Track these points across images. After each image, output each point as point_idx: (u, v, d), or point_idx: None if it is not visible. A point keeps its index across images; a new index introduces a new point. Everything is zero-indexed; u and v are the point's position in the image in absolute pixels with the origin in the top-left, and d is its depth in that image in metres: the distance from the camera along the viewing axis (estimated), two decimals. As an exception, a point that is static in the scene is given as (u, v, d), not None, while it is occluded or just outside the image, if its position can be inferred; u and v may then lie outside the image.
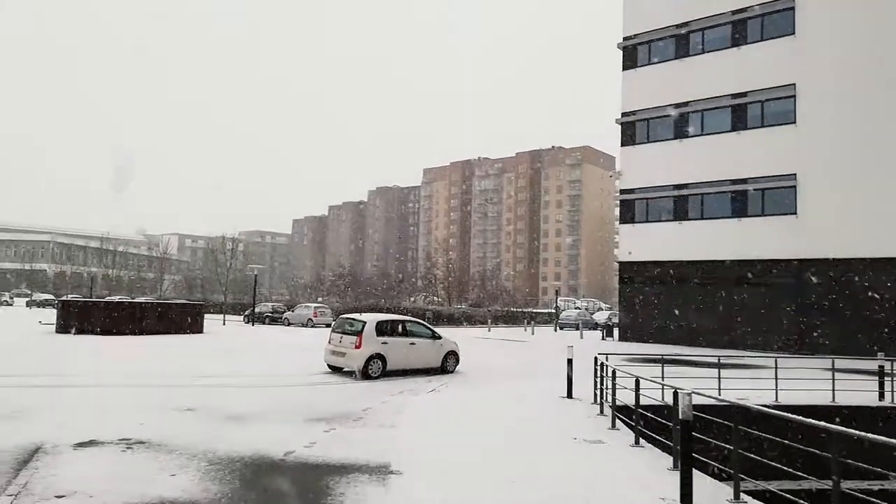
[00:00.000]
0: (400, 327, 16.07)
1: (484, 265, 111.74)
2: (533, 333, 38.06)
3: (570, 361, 13.14)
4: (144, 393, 11.98)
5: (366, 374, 14.92)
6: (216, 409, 10.48)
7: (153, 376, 14.14)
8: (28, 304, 60.11)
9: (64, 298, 27.51)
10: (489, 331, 40.47)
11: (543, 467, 7.44)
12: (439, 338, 16.70)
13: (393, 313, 25.47)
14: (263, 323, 42.64)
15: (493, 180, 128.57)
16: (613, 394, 10.28)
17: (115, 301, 29.46)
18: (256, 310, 43.77)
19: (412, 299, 69.73)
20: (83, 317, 25.28)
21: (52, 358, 17.37)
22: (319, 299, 59.46)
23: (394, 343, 15.49)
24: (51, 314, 30.79)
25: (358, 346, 14.96)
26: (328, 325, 40.43)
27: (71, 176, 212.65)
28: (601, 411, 11.23)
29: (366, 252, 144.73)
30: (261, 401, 11.58)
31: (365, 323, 15.21)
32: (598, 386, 11.86)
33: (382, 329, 15.47)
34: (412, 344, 15.93)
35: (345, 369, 15.72)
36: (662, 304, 30.51)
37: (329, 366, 16.13)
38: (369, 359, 14.96)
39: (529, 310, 64.57)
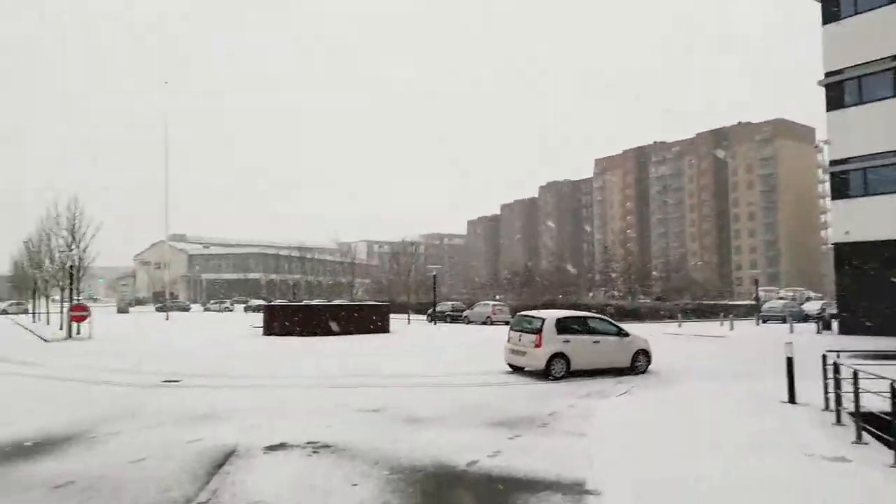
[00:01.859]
0: (582, 324, 15.00)
1: (666, 256, 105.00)
2: (731, 328, 34.39)
3: (790, 360, 11.16)
4: (334, 393, 12.27)
5: (548, 375, 14.09)
6: (399, 411, 10.33)
7: (343, 376, 14.58)
8: (245, 310, 67.78)
9: (268, 303, 30.35)
10: (679, 326, 37.38)
11: (775, 491, 6.04)
12: (627, 335, 15.33)
13: (571, 309, 24.25)
14: (445, 321, 43.60)
15: (672, 165, 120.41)
16: (857, 399, 8.36)
17: (312, 304, 31.75)
18: (437, 309, 44.92)
19: (591, 295, 67.47)
20: (284, 319, 27.50)
21: (254, 359, 18.83)
22: (497, 297, 59.73)
23: (576, 341, 14.46)
24: (260, 318, 34.09)
25: (538, 345, 14.18)
26: (506, 323, 40.24)
27: (275, 192, 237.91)
28: (837, 420, 9.26)
29: (540, 249, 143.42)
30: (442, 402, 11.26)
31: (544, 320, 14.38)
32: (831, 389, 9.84)
33: (563, 326, 14.51)
34: (596, 342, 14.77)
35: (525, 369, 15.04)
36: (892, 290, 25.71)
37: (509, 365, 15.55)
38: (551, 358, 14.10)
39: (723, 302, 59.05)
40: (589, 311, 18.94)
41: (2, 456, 7.19)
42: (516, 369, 15.33)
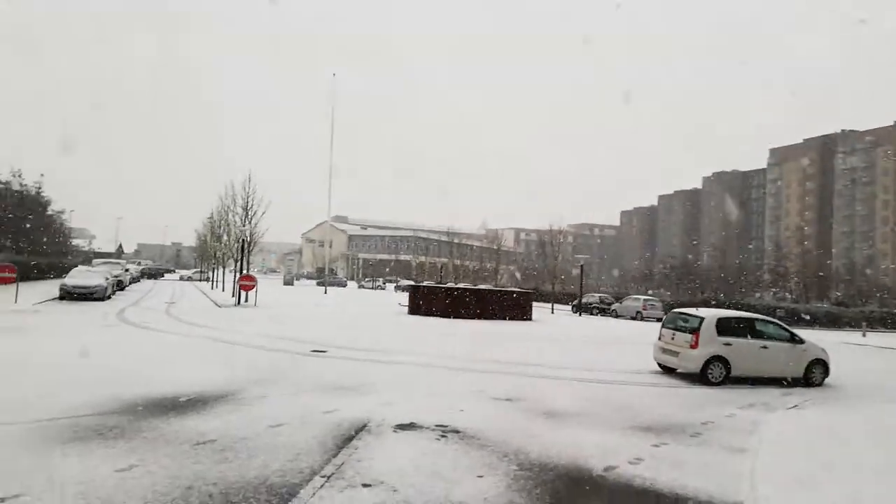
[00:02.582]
0: (747, 327, 13.42)
1: (850, 257, 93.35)
2: (931, 343, 29.59)
3: None
4: (470, 377, 12.04)
5: (704, 379, 12.79)
6: (534, 402, 9.83)
7: (481, 361, 14.34)
8: (395, 289, 70.69)
9: (413, 283, 31.15)
10: (864, 336, 32.92)
11: None
12: (801, 342, 13.49)
13: (734, 309, 22.02)
14: (590, 313, 42.16)
15: (863, 156, 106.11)
16: None
17: (456, 287, 32.05)
18: (583, 300, 43.53)
19: (757, 295, 61.78)
20: (429, 300, 28.00)
21: (397, 336, 19.26)
22: (649, 292, 56.70)
23: (739, 345, 12.97)
24: (407, 297, 35.10)
25: (694, 346, 12.90)
26: (658, 320, 37.94)
27: (430, 177, 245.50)
28: None
29: (700, 243, 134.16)
30: (581, 397, 10.57)
31: (703, 319, 13.04)
32: None
33: (725, 327, 13.07)
34: (764, 347, 13.15)
35: (677, 371, 13.81)
36: None
37: (659, 365, 14.38)
38: (708, 361, 12.78)
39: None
40: (754, 313, 16.91)
41: (159, 410, 7.72)
42: (667, 370, 14.15)
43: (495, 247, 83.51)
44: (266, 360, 12.51)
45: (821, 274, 65.85)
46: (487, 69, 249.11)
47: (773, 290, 65.93)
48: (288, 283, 68.92)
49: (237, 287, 29.02)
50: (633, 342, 22.19)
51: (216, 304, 28.41)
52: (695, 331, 13.01)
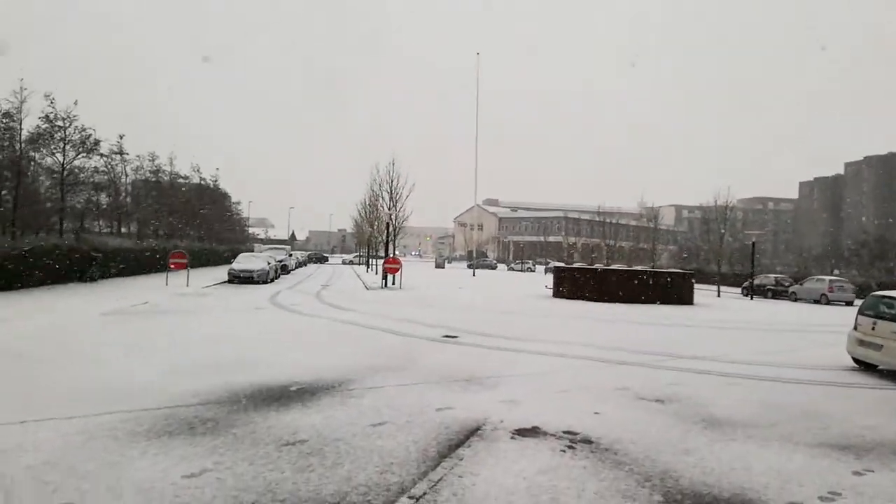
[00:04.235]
0: (985, 314, 10.48)
1: None
2: None
3: None
4: (612, 371, 10.57)
5: (918, 380, 10.17)
6: (691, 405, 8.17)
7: (628, 351, 12.72)
8: (545, 271, 69.10)
9: (557, 264, 29.53)
10: None
11: None
12: None
13: None
14: (764, 297, 37.68)
15: None
16: None
17: (604, 268, 29.95)
18: (755, 281, 39.04)
19: (979, 274, 51.86)
20: (574, 283, 26.34)
21: (537, 321, 18.04)
22: (835, 272, 49.74)
23: (973, 338, 10.13)
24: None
25: (905, 338, 10.28)
26: (848, 303, 32.92)
27: (575, 161, 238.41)
28: None
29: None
30: (751, 401, 8.69)
31: (916, 305, 10.36)
32: None
33: (948, 315, 10.29)
34: None
35: (880, 367, 11.19)
36: None
37: (854, 360, 11.80)
38: (924, 357, 10.12)
39: None
40: None
41: (264, 401, 7.28)
42: (866, 367, 11.54)
43: (652, 225, 78.46)
44: (394, 346, 11.99)
45: None
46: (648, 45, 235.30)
47: None
48: (439, 266, 70.09)
49: (382, 270, 29.45)
50: (817, 330, 19.01)
51: (365, 287, 29.05)
52: (907, 319, 10.37)
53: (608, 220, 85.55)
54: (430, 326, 14.93)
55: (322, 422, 6.48)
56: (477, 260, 69.46)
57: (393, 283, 29.14)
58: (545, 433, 6.53)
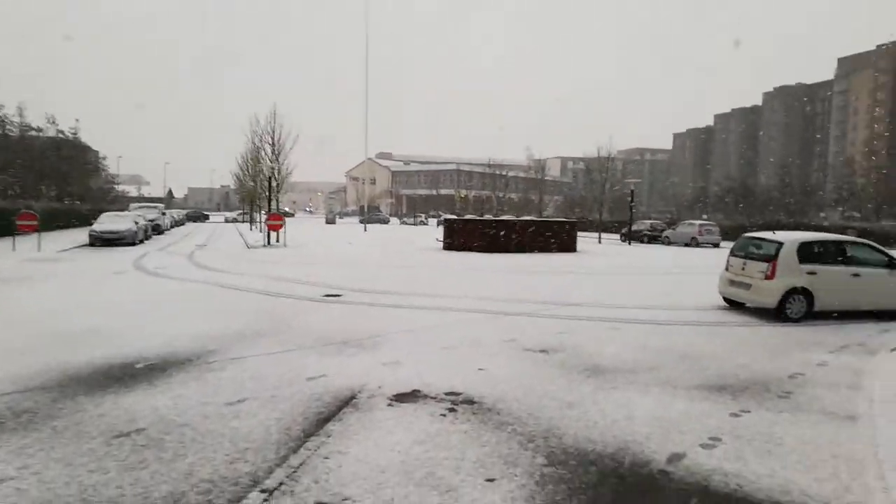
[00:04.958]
0: (836, 251, 11.17)
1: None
2: None
3: None
4: (499, 322, 10.31)
5: (781, 316, 10.72)
6: (574, 354, 8.03)
7: (514, 301, 12.58)
8: (438, 224, 69.14)
9: (447, 216, 29.32)
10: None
11: None
12: (902, 267, 11.17)
13: (799, 230, 19.15)
14: (641, 242, 39.65)
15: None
16: None
17: (492, 219, 30.04)
18: (633, 228, 40.94)
19: (822, 215, 57.59)
20: (464, 234, 26.18)
21: (426, 274, 17.63)
22: (704, 216, 53.37)
23: (826, 273, 10.77)
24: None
25: (770, 276, 10.77)
26: (714, 245, 35.33)
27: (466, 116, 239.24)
28: None
29: (759, 163, 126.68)
30: (633, 345, 8.72)
31: (781, 244, 10.84)
32: None
33: (808, 253, 10.87)
34: (855, 275, 10.91)
35: (748, 305, 11.75)
36: None
37: (725, 299, 12.32)
38: (787, 294, 10.68)
39: None
40: (822, 232, 14.25)
41: (101, 382, 6.26)
42: (735, 305, 12.08)
43: (539, 176, 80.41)
44: (268, 309, 11.05)
45: (891, 189, 60.66)
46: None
47: (841, 209, 61.33)
48: (330, 221, 68.15)
49: (264, 227, 27.83)
50: (689, 272, 20.04)
51: (246, 246, 27.37)
52: (772, 258, 10.84)
53: (498, 173, 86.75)
54: (312, 285, 14.06)
55: (169, 404, 5.61)
56: (369, 214, 68.10)
57: (277, 241, 27.66)
58: (426, 396, 6.05)
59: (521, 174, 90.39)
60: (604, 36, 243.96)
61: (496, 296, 13.25)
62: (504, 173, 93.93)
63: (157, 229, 35.79)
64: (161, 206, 48.80)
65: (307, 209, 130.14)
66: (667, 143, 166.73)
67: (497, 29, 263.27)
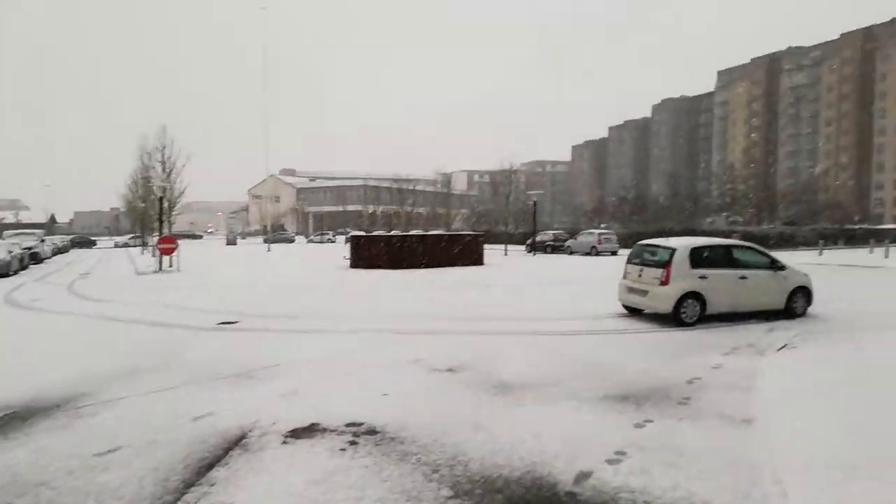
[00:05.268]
0: (724, 255, 11.73)
1: (796, 177, 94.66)
2: (887, 256, 29.16)
3: None
4: (406, 342, 10.02)
5: (677, 320, 11.10)
6: (482, 371, 7.87)
7: (421, 317, 12.34)
8: (346, 241, 68.00)
9: (354, 234, 28.80)
10: (820, 255, 32.37)
11: None
12: (783, 268, 11.91)
13: (690, 236, 20.10)
14: (545, 252, 40.69)
15: (808, 73, 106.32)
16: None
17: (398, 235, 29.78)
18: (537, 238, 42.00)
19: (709, 220, 61.60)
20: (370, 251, 25.73)
21: (331, 295, 17.06)
22: (602, 225, 55.66)
23: (716, 277, 11.27)
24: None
25: (665, 282, 11.14)
26: (613, 253, 36.77)
27: (378, 125, 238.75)
28: None
29: (651, 172, 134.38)
30: (539, 357, 8.69)
31: (674, 250, 11.25)
32: None
33: (699, 258, 11.34)
34: (743, 278, 11.49)
35: (645, 311, 12.10)
36: None
37: (625, 306, 12.65)
38: (682, 298, 11.07)
39: (868, 226, 51.72)
40: (711, 238, 15.09)
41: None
42: (634, 312, 12.42)
43: (446, 191, 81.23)
44: (154, 341, 10.19)
45: (770, 194, 66.04)
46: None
47: (726, 214, 65.88)
48: (231, 242, 65.43)
49: (155, 251, 26.14)
50: (590, 280, 20.60)
51: (136, 272, 25.57)
52: (665, 264, 11.23)
53: (406, 188, 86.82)
54: (207, 312, 13.19)
55: (26, 459, 4.90)
56: (273, 234, 66.03)
57: (170, 266, 26.02)
58: (325, 429, 5.65)
59: (429, 189, 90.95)
60: (502, 53, 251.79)
61: (404, 313, 12.96)
62: (411, 188, 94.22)
63: (36, 258, 32.88)
64: (40, 232, 44.95)
65: (208, 230, 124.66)
66: (566, 156, 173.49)
67: (399, 44, 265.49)
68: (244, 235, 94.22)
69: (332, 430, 5.62)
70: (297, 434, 5.53)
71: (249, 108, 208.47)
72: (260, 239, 79.23)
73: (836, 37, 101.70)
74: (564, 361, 8.43)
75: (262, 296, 16.74)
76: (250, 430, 5.61)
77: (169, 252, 25.30)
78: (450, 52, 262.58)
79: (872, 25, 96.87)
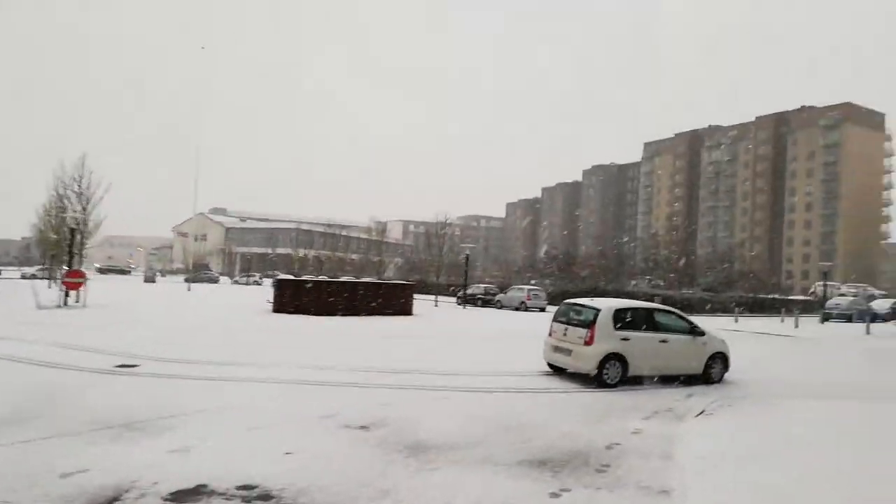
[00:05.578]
0: (646, 318, 11.82)
1: (714, 246, 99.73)
2: (796, 326, 30.64)
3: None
4: (323, 394, 9.45)
5: (599, 381, 11.01)
6: (397, 429, 7.43)
7: (342, 369, 11.74)
8: (273, 284, 66.02)
9: (279, 278, 27.84)
10: (736, 321, 33.71)
11: None
12: (702, 333, 12.10)
13: (615, 297, 20.48)
14: (475, 305, 40.66)
15: (727, 150, 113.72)
16: None
17: (325, 280, 29.09)
18: (468, 291, 41.99)
19: (633, 283, 63.56)
20: (295, 296, 24.87)
21: (247, 340, 16.14)
22: (532, 281, 56.44)
23: (638, 339, 11.32)
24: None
25: (589, 342, 11.08)
26: (541, 309, 37.08)
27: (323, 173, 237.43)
28: None
29: (580, 233, 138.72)
30: (458, 416, 8.31)
31: (598, 311, 11.25)
32: None
33: (622, 319, 11.37)
34: (663, 341, 11.59)
35: (569, 370, 11.98)
36: None
37: (549, 365, 12.50)
38: (605, 359, 11.01)
39: (780, 297, 54.67)
40: (635, 300, 15.43)
41: None
42: (558, 370, 12.28)
43: (380, 238, 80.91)
44: (39, 384, 9.19)
45: (689, 261, 69.29)
46: (377, 52, 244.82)
47: (648, 277, 68.28)
48: (149, 279, 62.24)
49: (60, 285, 24.34)
50: (517, 335, 20.49)
51: (37, 306, 23.65)
52: (590, 324, 11.20)
53: (339, 233, 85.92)
54: (105, 354, 12.13)
55: None
56: (196, 273, 63.40)
57: (77, 301, 24.23)
58: (213, 493, 5.06)
59: (363, 235, 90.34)
60: (445, 103, 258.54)
61: (323, 364, 12.32)
62: (345, 234, 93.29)
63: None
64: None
65: (130, 266, 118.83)
66: (501, 213, 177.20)
67: (338, 88, 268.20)
68: (165, 273, 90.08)
69: (220, 494, 5.04)
70: (179, 497, 4.91)
71: (184, 144, 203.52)
72: (182, 277, 75.94)
73: (752, 119, 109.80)
74: (485, 421, 8.10)
75: (171, 338, 15.62)
76: (126, 492, 4.96)
77: (75, 287, 23.60)
78: (388, 97, 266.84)
79: (784, 111, 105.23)
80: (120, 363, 11.11)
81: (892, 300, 46.13)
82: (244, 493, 5.09)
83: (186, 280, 60.77)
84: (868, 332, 27.62)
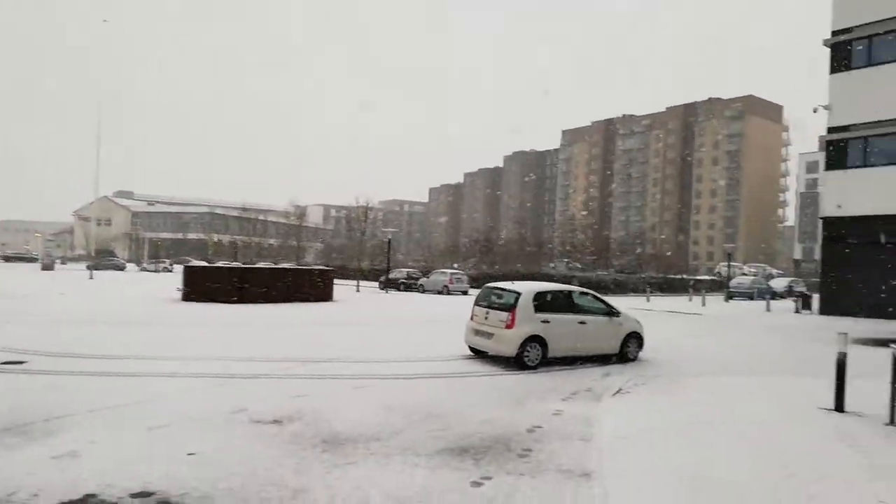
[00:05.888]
0: (565, 301, 11.95)
1: (627, 229, 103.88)
2: (703, 304, 32.27)
3: (842, 359, 8.32)
4: (233, 388, 8.93)
5: (520, 363, 11.04)
6: (311, 423, 7.08)
7: (254, 360, 11.20)
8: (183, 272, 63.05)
9: (189, 264, 26.47)
10: (648, 301, 35.13)
11: None
12: (617, 314, 12.37)
13: (534, 280, 20.70)
14: (398, 289, 40.40)
15: (639, 139, 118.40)
16: None
17: (239, 266, 27.92)
18: (391, 276, 41.67)
19: (552, 265, 65.24)
20: (206, 283, 23.68)
21: (153, 332, 15.17)
22: (455, 265, 56.75)
23: (557, 321, 11.42)
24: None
25: (510, 326, 11.07)
26: (464, 293, 37.34)
27: (233, 154, 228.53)
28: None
29: (501, 218, 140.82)
30: (377, 405, 8.05)
31: (519, 294, 11.25)
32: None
33: (542, 303, 11.44)
34: (582, 323, 11.77)
35: (490, 354, 11.95)
36: (887, 269, 23.64)
37: (471, 348, 12.44)
38: (525, 342, 11.04)
39: (688, 277, 57.57)
40: (553, 282, 15.62)
41: None
42: (479, 353, 12.23)
43: (299, 223, 78.89)
44: None
45: (604, 244, 71.89)
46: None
47: (566, 260, 70.21)
48: (47, 267, 57.86)
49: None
50: (439, 319, 20.44)
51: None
52: (511, 308, 11.18)
53: (256, 217, 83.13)
54: (-10, 350, 11.02)
55: None
56: (98, 259, 59.57)
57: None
58: (102, 503, 4.56)
59: (282, 220, 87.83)
60: (372, 95, 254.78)
61: (233, 355, 11.69)
62: (262, 218, 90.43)
63: None
64: None
65: (35, 254, 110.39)
66: (424, 198, 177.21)
67: (259, 69, 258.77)
68: (66, 260, 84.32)
69: (113, 503, 4.54)
70: (63, 511, 4.39)
71: (90, 124, 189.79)
72: (84, 265, 71.25)
73: (663, 109, 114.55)
74: (405, 409, 7.86)
75: (65, 331, 14.41)
76: (-2, 508, 4.38)
77: (-44, 276, 21.44)
78: (315, 84, 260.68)
79: (694, 102, 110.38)
80: (4, 360, 10.09)
81: (789, 279, 49.61)
82: (139, 501, 4.62)
83: (88, 267, 57.01)
84: (768, 310, 29.46)
